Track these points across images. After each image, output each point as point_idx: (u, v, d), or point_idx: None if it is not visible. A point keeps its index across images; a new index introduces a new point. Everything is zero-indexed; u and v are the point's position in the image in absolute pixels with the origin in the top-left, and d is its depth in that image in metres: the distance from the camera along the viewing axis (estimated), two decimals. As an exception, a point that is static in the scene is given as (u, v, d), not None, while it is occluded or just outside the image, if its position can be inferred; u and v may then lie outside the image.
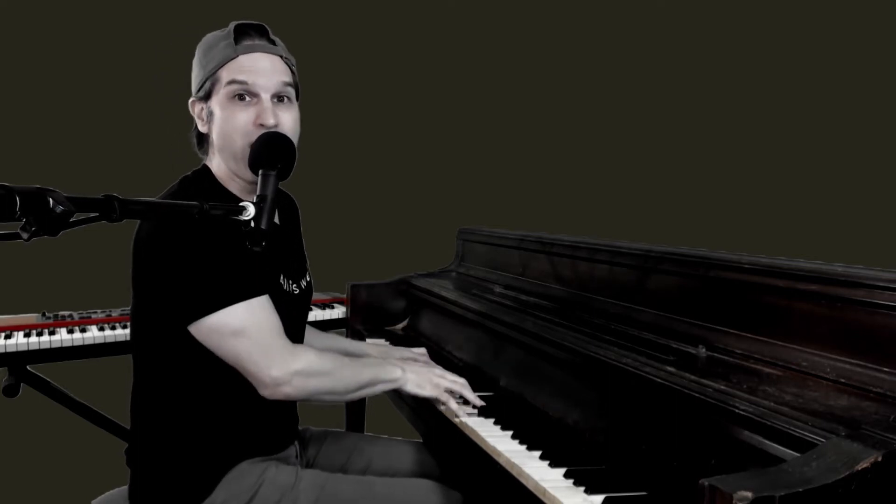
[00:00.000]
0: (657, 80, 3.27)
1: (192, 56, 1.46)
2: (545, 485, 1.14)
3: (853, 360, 1.12)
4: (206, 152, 1.48)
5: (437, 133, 3.48)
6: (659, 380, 1.22)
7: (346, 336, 2.45)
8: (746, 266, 1.34)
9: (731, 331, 1.35)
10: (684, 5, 3.20)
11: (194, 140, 1.49)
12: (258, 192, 1.17)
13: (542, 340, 1.62)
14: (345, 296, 2.50)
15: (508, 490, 1.24)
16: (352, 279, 2.47)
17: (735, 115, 3.11)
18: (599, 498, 1.08)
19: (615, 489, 1.10)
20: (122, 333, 2.19)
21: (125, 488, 1.48)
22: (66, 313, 2.34)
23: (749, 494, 0.76)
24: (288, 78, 1.42)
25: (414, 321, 2.43)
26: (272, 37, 1.44)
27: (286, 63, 1.43)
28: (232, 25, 1.40)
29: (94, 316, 2.34)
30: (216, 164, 1.45)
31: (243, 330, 1.30)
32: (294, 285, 1.53)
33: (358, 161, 3.44)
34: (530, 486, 1.17)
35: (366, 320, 2.43)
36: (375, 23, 3.41)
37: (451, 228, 2.75)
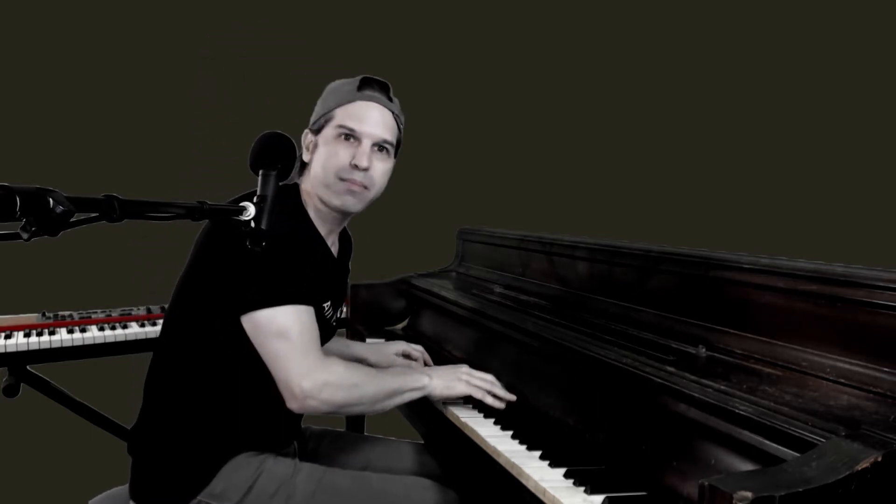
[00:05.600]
0: (657, 80, 3.27)
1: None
2: (545, 485, 1.14)
3: (853, 360, 1.12)
4: (300, 174, 1.57)
5: (436, 133, 3.48)
6: (659, 380, 1.22)
7: (346, 336, 2.45)
8: (746, 266, 1.34)
9: (731, 331, 1.35)
10: (684, 5, 3.20)
11: (297, 165, 1.56)
12: (258, 192, 1.18)
13: (542, 340, 1.62)
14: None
15: (508, 490, 1.24)
16: (352, 279, 2.46)
17: (735, 116, 3.11)
18: (599, 498, 1.08)
19: (615, 489, 1.10)
20: (121, 333, 2.19)
21: (124, 487, 1.49)
22: (66, 313, 2.34)
23: (749, 494, 0.76)
24: (392, 134, 1.54)
25: (414, 321, 2.43)
26: (391, 95, 1.56)
27: (396, 120, 1.55)
28: (360, 76, 1.54)
29: (94, 316, 2.34)
30: (306, 185, 1.55)
31: (287, 331, 1.35)
32: (334, 314, 1.61)
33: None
34: (530, 486, 1.17)
35: (366, 320, 2.43)
36: (376, 23, 3.42)
37: (451, 228, 2.75)
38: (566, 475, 1.17)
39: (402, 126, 1.59)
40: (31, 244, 0.84)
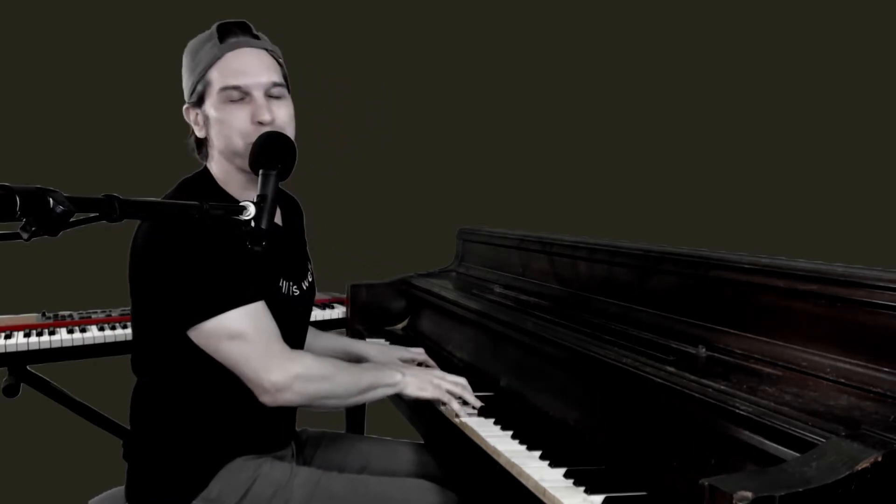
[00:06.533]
0: (657, 80, 3.27)
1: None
2: (545, 485, 1.14)
3: (853, 360, 1.12)
4: (205, 156, 1.48)
5: (437, 133, 3.48)
6: (659, 380, 1.22)
7: (346, 336, 2.45)
8: (746, 266, 1.34)
9: (731, 331, 1.35)
10: (684, 5, 3.20)
11: (193, 145, 1.49)
12: (258, 192, 1.18)
13: (542, 340, 1.62)
14: (345, 296, 2.50)
15: (508, 490, 1.24)
16: (352, 279, 2.47)
17: (735, 116, 3.11)
18: (599, 498, 1.08)
19: (615, 489, 1.10)
20: (122, 333, 2.19)
21: (123, 488, 1.48)
22: (66, 313, 2.34)
23: (749, 494, 0.76)
24: (276, 72, 1.42)
25: (414, 321, 2.43)
26: (255, 32, 1.43)
27: (272, 56, 1.43)
28: (215, 26, 1.40)
29: (94, 316, 2.34)
30: (216, 166, 1.45)
31: (241, 334, 1.30)
32: (294, 287, 1.53)
33: (358, 161, 3.44)
34: (530, 486, 1.17)
35: (366, 320, 2.43)
36: (375, 22, 3.42)
37: (451, 228, 2.75)
38: (566, 475, 1.17)
39: (281, 60, 1.45)
40: (31, 244, 0.84)
